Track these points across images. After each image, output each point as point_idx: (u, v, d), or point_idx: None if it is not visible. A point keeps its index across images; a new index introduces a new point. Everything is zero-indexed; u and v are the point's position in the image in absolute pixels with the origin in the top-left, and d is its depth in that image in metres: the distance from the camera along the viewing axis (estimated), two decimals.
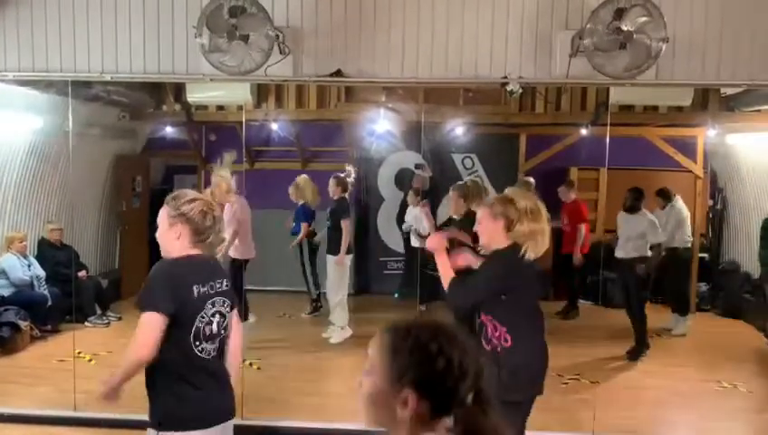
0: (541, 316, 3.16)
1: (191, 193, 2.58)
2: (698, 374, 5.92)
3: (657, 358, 6.33)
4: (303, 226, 7.38)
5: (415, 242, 7.18)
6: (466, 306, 3.25)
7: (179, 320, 2.39)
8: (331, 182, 6.75)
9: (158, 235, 2.56)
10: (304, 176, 7.63)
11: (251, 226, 6.72)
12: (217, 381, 2.54)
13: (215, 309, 2.50)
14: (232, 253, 6.32)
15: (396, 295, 8.22)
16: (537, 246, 2.98)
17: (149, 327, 2.33)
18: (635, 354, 6.24)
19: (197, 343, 2.44)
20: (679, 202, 7.29)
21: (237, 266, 6.31)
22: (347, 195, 6.85)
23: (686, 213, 7.28)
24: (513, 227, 2.99)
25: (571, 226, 7.59)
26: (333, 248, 6.63)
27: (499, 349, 2.97)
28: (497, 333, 3.00)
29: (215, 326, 2.49)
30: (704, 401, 5.35)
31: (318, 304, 7.61)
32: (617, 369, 6.05)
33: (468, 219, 5.69)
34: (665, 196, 7.24)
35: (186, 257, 2.47)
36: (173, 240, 2.49)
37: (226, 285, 2.58)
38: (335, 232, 6.62)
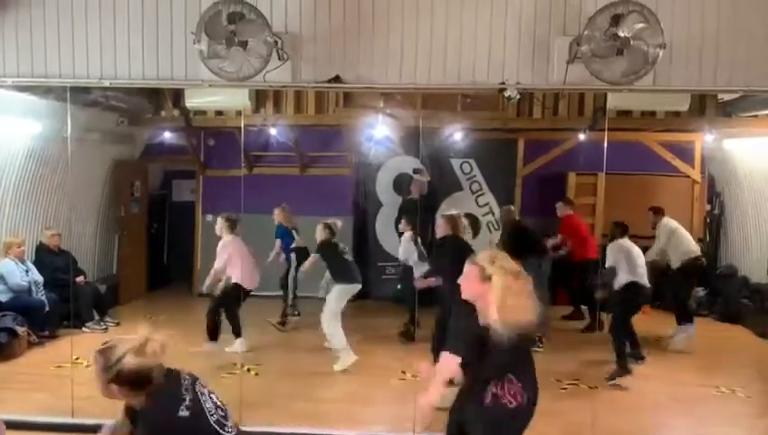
0: None
1: (120, 347, 2.40)
2: (697, 379, 5.92)
3: (655, 363, 6.32)
4: (278, 242, 7.54)
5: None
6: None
7: (195, 431, 2.41)
8: (319, 228, 6.57)
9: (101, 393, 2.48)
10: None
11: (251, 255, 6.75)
12: None
13: (206, 394, 2.50)
14: (238, 280, 6.41)
15: (399, 286, 8.09)
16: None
17: None
18: (612, 376, 5.87)
19: (225, 428, 2.46)
20: (664, 220, 7.12)
21: (238, 292, 6.37)
22: (334, 240, 6.63)
23: (673, 227, 7.09)
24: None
25: (571, 239, 7.62)
26: (343, 278, 6.44)
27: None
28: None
29: (218, 403, 2.52)
30: (702, 407, 5.34)
31: (295, 312, 7.66)
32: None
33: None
34: (656, 212, 7.15)
35: (151, 398, 2.38)
36: (123, 398, 2.47)
37: (190, 376, 2.52)
38: (339, 263, 6.50)
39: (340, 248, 6.48)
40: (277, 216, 7.62)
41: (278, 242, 7.57)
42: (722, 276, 8.44)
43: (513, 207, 7.85)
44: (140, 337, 2.38)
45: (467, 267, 3.01)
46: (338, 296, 6.27)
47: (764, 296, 7.52)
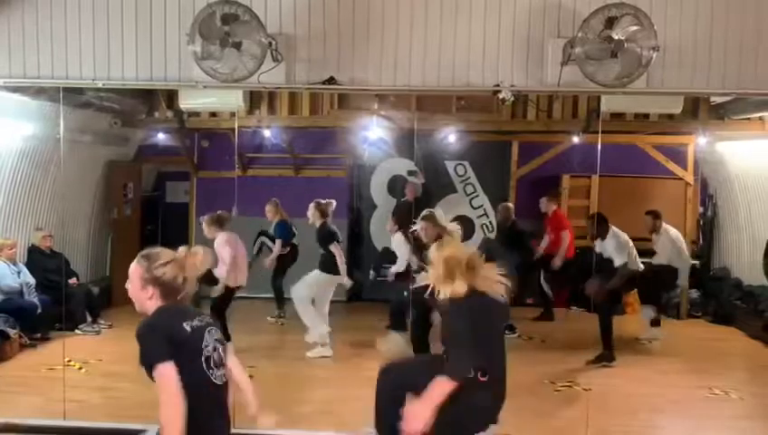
0: None
1: (164, 255, 2.56)
2: (690, 381, 5.94)
3: (649, 365, 6.34)
4: (278, 242, 7.50)
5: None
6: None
7: (186, 357, 2.40)
8: (311, 207, 6.66)
9: (130, 292, 2.61)
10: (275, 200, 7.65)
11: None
12: (222, 411, 2.58)
13: (214, 337, 2.54)
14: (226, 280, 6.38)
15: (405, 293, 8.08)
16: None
17: (165, 379, 2.32)
18: (598, 359, 6.23)
19: (211, 371, 2.48)
20: (665, 227, 7.07)
21: (230, 292, 6.38)
22: (328, 220, 6.71)
23: (674, 236, 7.06)
24: None
25: (554, 233, 7.67)
26: (326, 267, 6.55)
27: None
28: None
29: (220, 353, 2.54)
30: (696, 408, 5.35)
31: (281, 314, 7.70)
32: (610, 376, 6.05)
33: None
34: (655, 216, 7.07)
35: (160, 308, 2.52)
36: (145, 300, 2.54)
37: (210, 319, 2.63)
38: (327, 253, 6.57)
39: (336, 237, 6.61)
40: (271, 212, 7.55)
41: (279, 242, 7.51)
42: (715, 278, 8.48)
43: (510, 205, 7.84)
44: (182, 251, 2.57)
45: None
46: (313, 282, 6.46)
47: (757, 298, 7.56)
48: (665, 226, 6.98)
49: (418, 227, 5.80)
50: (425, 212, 6.30)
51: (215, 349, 2.51)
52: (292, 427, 4.74)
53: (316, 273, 6.55)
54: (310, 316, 6.46)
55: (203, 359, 2.45)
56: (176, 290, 2.53)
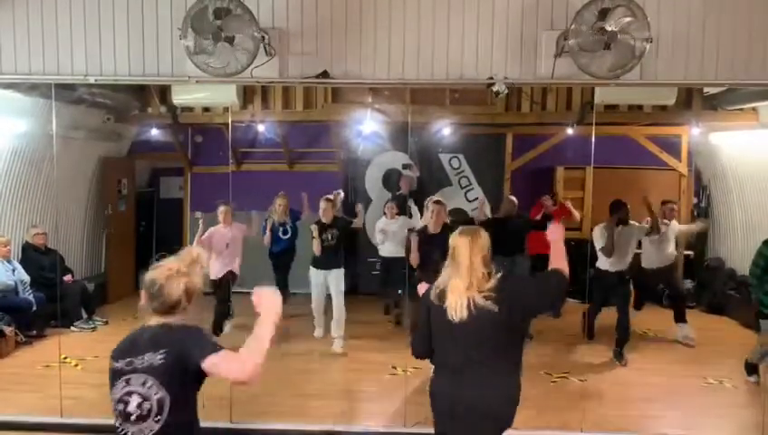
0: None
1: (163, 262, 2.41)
2: (685, 371, 5.98)
3: (644, 356, 6.38)
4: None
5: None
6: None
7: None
8: (324, 204, 6.61)
9: None
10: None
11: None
12: None
13: (128, 388, 2.26)
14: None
15: (399, 292, 8.11)
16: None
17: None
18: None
19: (117, 421, 2.29)
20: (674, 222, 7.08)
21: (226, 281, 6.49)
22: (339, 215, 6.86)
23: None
24: None
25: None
26: (340, 260, 6.65)
27: None
28: None
29: (132, 408, 2.25)
30: (690, 398, 5.40)
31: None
32: (604, 367, 6.09)
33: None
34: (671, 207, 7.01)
35: (139, 328, 2.37)
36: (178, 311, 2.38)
37: (150, 361, 2.25)
38: (341, 243, 6.62)
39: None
40: (283, 205, 7.29)
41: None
42: (709, 268, 8.52)
43: (514, 198, 7.80)
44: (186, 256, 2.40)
45: None
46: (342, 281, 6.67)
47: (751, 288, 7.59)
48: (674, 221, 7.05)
49: (430, 211, 5.81)
50: (435, 197, 6.31)
51: (122, 401, 2.26)
52: (289, 420, 4.77)
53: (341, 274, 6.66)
54: None
55: (115, 405, 2.28)
56: (151, 298, 2.33)
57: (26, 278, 6.83)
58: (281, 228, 7.30)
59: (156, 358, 2.24)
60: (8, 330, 6.30)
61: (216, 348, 2.25)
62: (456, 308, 2.84)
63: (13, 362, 6.11)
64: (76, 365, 5.87)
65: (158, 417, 2.24)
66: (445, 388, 2.93)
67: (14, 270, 6.75)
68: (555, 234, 3.14)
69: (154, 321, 2.33)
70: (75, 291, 7.28)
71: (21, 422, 4.70)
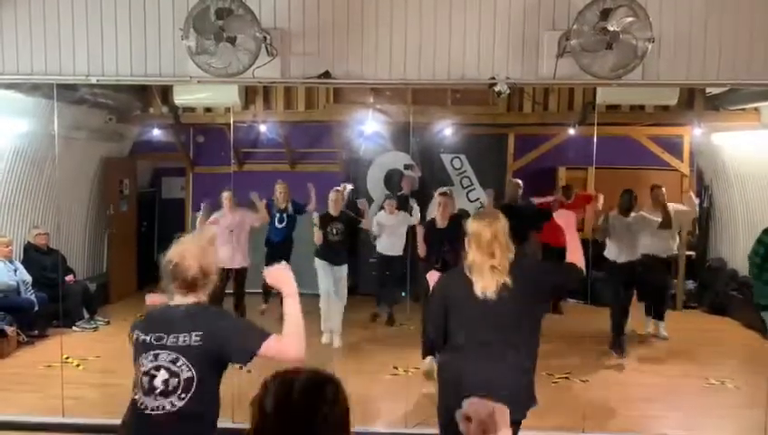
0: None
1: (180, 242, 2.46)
2: (686, 371, 5.97)
3: (645, 356, 6.38)
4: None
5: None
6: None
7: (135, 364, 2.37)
8: (334, 195, 6.69)
9: None
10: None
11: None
12: None
13: (156, 363, 2.28)
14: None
15: (403, 294, 8.11)
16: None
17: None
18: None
19: (135, 392, 2.32)
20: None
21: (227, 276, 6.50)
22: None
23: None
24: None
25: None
26: (346, 255, 6.75)
27: None
28: None
29: (158, 382, 2.26)
30: (692, 398, 5.39)
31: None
32: (606, 367, 6.09)
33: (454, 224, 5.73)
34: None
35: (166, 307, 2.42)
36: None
37: (184, 341, 2.28)
38: (347, 239, 6.70)
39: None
40: (284, 193, 7.29)
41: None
42: (711, 269, 8.50)
43: (519, 181, 7.75)
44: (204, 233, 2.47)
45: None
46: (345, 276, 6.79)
47: (753, 289, 7.57)
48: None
49: (437, 203, 5.82)
50: (443, 189, 6.29)
51: (149, 374, 2.27)
52: None
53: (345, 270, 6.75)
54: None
55: (140, 377, 2.30)
56: (166, 278, 2.39)
57: (28, 278, 6.83)
58: (278, 215, 7.29)
59: (192, 338, 2.27)
60: (10, 330, 6.30)
61: (265, 334, 2.31)
62: (486, 287, 2.81)
63: (14, 362, 6.11)
64: (78, 365, 5.87)
65: (183, 395, 2.26)
66: (471, 365, 2.83)
67: (15, 270, 6.76)
68: (565, 218, 3.09)
69: (182, 299, 2.36)
70: (77, 291, 7.28)
71: (22, 422, 4.71)
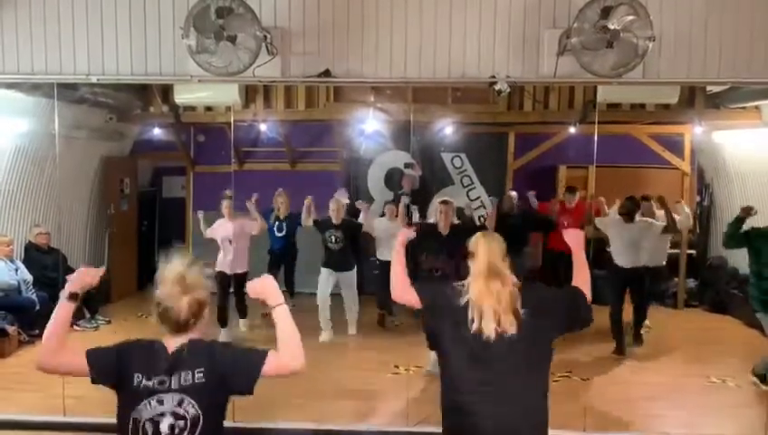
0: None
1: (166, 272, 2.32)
2: (688, 370, 5.97)
3: (646, 354, 6.37)
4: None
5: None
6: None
7: (119, 399, 2.26)
8: (335, 205, 6.73)
9: None
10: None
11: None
12: None
13: (161, 408, 2.18)
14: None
15: None
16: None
17: (73, 359, 2.31)
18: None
19: None
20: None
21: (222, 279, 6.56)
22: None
23: None
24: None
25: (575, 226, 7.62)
26: (351, 262, 6.83)
27: None
28: None
29: (164, 428, 2.17)
30: (693, 397, 5.39)
31: None
32: (607, 365, 6.08)
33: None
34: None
35: (147, 343, 2.29)
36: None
37: (186, 381, 2.19)
38: (349, 247, 6.77)
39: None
40: (284, 204, 7.34)
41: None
42: (711, 267, 8.50)
43: (514, 193, 7.80)
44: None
45: None
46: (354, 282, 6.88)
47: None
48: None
49: (438, 211, 5.78)
50: (443, 197, 6.29)
51: (152, 421, 2.17)
52: (293, 419, 4.77)
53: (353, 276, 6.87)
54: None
55: (129, 423, 2.19)
56: (160, 318, 2.25)
57: (29, 278, 6.84)
58: (276, 224, 7.34)
59: (195, 377, 2.20)
60: (11, 329, 6.30)
61: (262, 355, 2.25)
62: (488, 324, 2.48)
63: (16, 362, 6.12)
64: None
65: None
66: (481, 407, 2.48)
67: (17, 269, 6.76)
68: (573, 238, 2.86)
69: (173, 340, 2.25)
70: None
71: (24, 421, 4.71)
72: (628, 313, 6.54)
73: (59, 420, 4.73)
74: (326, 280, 6.74)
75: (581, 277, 2.76)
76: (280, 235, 7.38)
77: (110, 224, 8.55)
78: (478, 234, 2.75)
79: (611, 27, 3.92)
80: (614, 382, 5.67)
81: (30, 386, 5.43)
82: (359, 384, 5.64)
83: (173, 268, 2.29)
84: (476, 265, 2.61)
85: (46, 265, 7.05)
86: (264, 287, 2.33)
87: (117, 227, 8.61)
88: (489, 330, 2.46)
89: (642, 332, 6.74)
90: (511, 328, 2.47)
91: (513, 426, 2.46)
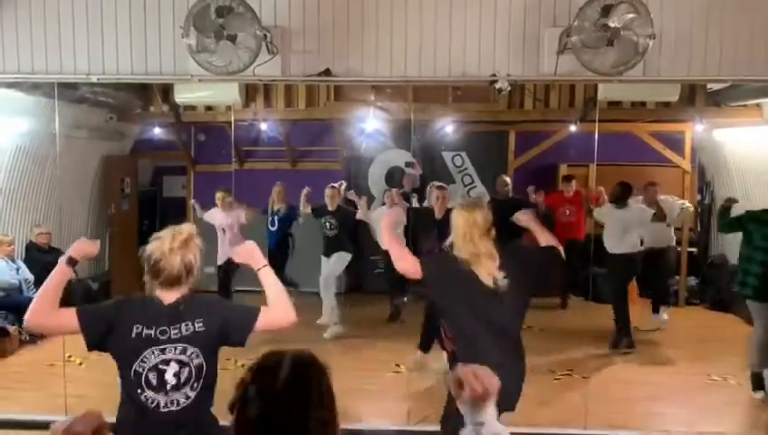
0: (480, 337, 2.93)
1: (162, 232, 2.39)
2: (688, 368, 5.97)
3: (647, 352, 6.37)
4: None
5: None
6: None
7: (118, 359, 2.30)
8: (330, 191, 6.83)
9: None
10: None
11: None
12: None
13: (164, 356, 2.24)
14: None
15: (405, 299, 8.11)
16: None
17: (63, 316, 2.29)
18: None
19: (140, 391, 2.24)
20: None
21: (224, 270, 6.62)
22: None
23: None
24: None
25: (576, 216, 7.68)
26: (345, 246, 6.89)
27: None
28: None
29: (168, 376, 2.23)
30: (694, 395, 5.38)
31: None
32: (608, 364, 6.08)
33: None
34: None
35: (141, 297, 2.36)
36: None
37: (187, 330, 2.27)
38: (344, 233, 6.84)
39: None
40: (281, 194, 7.39)
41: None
42: (713, 265, 8.49)
43: (507, 178, 7.83)
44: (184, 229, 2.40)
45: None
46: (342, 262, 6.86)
47: None
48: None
49: (434, 196, 5.87)
50: (437, 183, 6.35)
51: (156, 370, 2.23)
52: None
53: (342, 257, 6.88)
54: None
55: (131, 372, 2.24)
56: (153, 271, 2.32)
57: (30, 277, 6.84)
58: (269, 218, 7.39)
59: (195, 326, 2.29)
60: (12, 329, 6.31)
61: (256, 309, 2.37)
62: (491, 275, 2.88)
63: (17, 361, 6.13)
64: (80, 364, 5.87)
65: (196, 384, 2.28)
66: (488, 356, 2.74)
67: (17, 269, 6.77)
68: (524, 217, 3.27)
69: (166, 295, 2.32)
70: (79, 290, 7.28)
71: (25, 421, 4.71)
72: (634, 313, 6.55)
73: (60, 419, 4.72)
74: (323, 266, 6.92)
75: (546, 240, 3.15)
76: (273, 229, 7.39)
77: (111, 223, 8.56)
78: (459, 206, 3.08)
79: (612, 25, 3.91)
80: (615, 380, 5.67)
81: (31, 385, 5.45)
82: (359, 383, 5.65)
83: (170, 231, 2.40)
84: (467, 231, 2.95)
85: (47, 264, 7.03)
86: (248, 252, 2.49)
87: (117, 226, 8.62)
88: (487, 281, 2.87)
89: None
90: (502, 281, 2.88)
91: (509, 356, 2.90)
